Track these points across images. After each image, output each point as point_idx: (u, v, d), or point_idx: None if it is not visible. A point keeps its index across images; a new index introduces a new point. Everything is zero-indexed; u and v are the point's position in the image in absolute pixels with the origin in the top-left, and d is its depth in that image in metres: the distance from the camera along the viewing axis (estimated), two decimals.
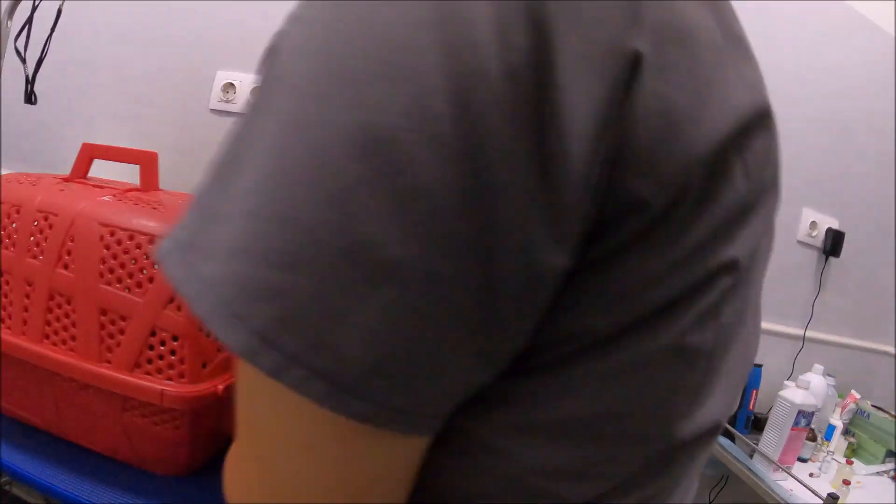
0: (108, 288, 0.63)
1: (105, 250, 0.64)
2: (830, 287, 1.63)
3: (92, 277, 0.64)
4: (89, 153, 0.80)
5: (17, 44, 0.94)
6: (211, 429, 0.72)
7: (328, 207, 0.19)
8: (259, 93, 0.22)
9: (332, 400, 0.19)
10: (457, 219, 0.19)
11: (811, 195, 1.53)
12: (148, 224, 0.67)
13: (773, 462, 1.18)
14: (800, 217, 1.56)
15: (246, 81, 1.21)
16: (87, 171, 0.81)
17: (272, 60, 0.23)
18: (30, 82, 0.96)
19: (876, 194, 1.59)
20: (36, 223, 0.67)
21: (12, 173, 0.81)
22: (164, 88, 1.22)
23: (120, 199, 0.71)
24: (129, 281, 0.64)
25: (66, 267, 0.64)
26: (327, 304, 0.19)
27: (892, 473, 1.34)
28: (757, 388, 1.42)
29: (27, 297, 0.65)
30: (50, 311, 0.65)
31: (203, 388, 0.66)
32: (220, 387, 0.68)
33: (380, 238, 0.18)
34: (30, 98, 0.96)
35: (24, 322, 0.65)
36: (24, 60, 0.95)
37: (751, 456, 1.29)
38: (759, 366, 1.37)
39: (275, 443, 0.23)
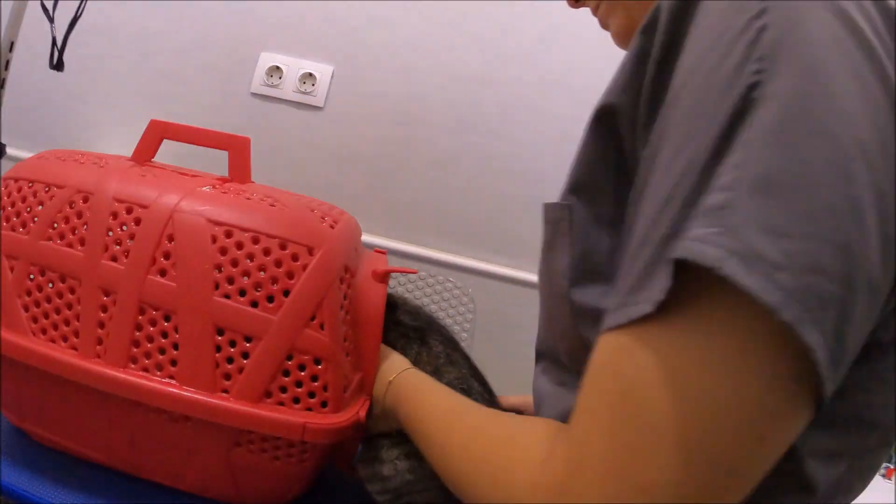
0: (227, 302, 0.45)
1: (221, 255, 0.46)
2: None
3: (203, 288, 0.45)
4: (161, 132, 0.63)
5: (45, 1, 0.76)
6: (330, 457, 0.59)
7: (863, 246, 0.22)
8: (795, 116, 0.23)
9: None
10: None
11: None
12: (273, 225, 0.53)
13: None
14: None
15: (293, 67, 1.05)
16: (153, 154, 0.65)
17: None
18: (58, 47, 0.78)
19: None
20: (115, 216, 0.51)
21: (55, 150, 0.63)
22: (200, 66, 1.04)
23: (225, 192, 0.56)
24: (255, 294, 0.47)
25: (162, 274, 0.46)
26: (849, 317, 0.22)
27: (882, 471, 1.37)
28: None
29: (104, 310, 0.46)
30: (140, 328, 0.46)
31: (347, 416, 0.52)
32: (362, 412, 0.55)
33: (871, 261, 0.23)
34: (58, 64, 0.78)
35: (99, 342, 0.46)
36: (51, 20, 0.77)
37: None
38: None
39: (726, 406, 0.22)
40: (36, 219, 0.49)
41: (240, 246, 0.47)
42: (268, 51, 1.02)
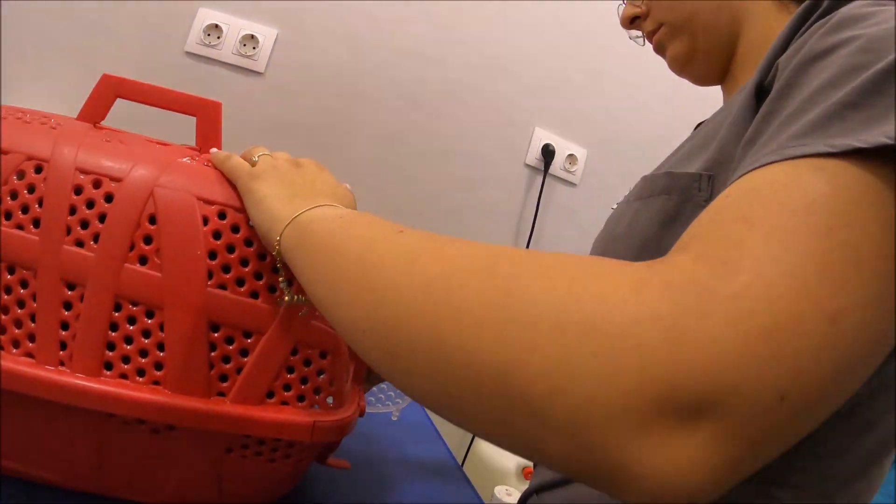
0: (223, 293, 0.39)
1: (214, 239, 0.39)
2: None
3: (195, 278, 0.38)
4: (114, 89, 0.52)
5: None
6: None
7: None
8: None
9: None
10: None
11: None
12: None
13: None
14: None
15: (234, 27, 0.92)
16: (104, 115, 0.53)
17: None
18: None
19: None
20: (78, 191, 0.39)
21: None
22: (129, 17, 0.86)
23: (209, 165, 0.47)
24: (255, 283, 0.40)
25: (143, 262, 0.38)
26: None
27: None
28: None
29: (67, 306, 0.37)
30: (115, 327, 0.38)
31: (353, 409, 0.47)
32: (363, 402, 0.50)
33: None
34: None
35: (62, 346, 0.37)
36: None
37: None
38: None
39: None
40: None
41: (236, 228, 0.41)
42: (207, 6, 0.89)
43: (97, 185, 0.39)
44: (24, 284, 0.38)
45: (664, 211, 0.38)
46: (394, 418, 0.53)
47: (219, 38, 0.88)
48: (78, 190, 0.38)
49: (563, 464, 0.20)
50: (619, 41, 1.25)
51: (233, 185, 0.43)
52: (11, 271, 0.38)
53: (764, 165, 0.24)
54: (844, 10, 0.30)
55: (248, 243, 0.41)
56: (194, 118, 0.51)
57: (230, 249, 0.41)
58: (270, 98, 0.97)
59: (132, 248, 0.39)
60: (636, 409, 0.17)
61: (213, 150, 0.47)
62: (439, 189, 1.16)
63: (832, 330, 0.18)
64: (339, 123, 1.04)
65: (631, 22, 0.57)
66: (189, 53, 0.89)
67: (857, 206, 0.21)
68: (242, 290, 0.41)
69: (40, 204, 0.38)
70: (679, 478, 0.17)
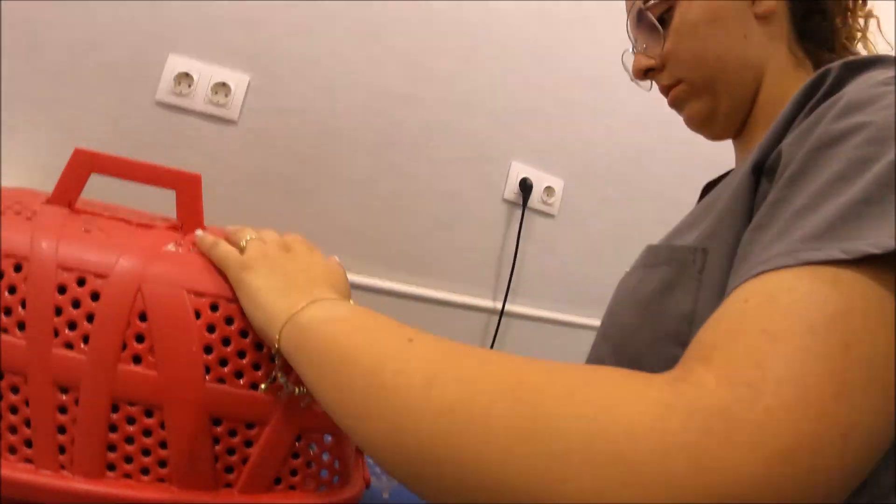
0: (222, 387, 0.38)
1: (208, 333, 0.38)
2: None
3: (192, 374, 0.37)
4: (88, 164, 0.49)
5: None
6: None
7: None
8: None
9: None
10: None
11: None
12: None
13: None
14: None
15: (205, 74, 0.89)
16: (79, 193, 0.50)
17: None
18: None
19: None
20: (62, 290, 0.36)
21: None
22: (96, 66, 0.82)
23: (191, 250, 0.45)
24: (253, 374, 0.39)
25: (137, 361, 0.36)
26: None
27: None
28: None
29: (62, 410, 0.35)
30: (115, 428, 0.36)
31: (358, 484, 0.45)
32: (367, 473, 0.48)
33: None
34: None
35: (61, 450, 0.35)
36: None
37: None
38: None
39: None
40: None
41: (230, 320, 0.40)
42: (177, 53, 0.86)
43: (81, 282, 0.37)
44: (15, 390, 0.36)
45: (664, 280, 0.39)
46: (385, 496, 0.52)
47: (190, 86, 0.86)
48: (62, 289, 0.36)
49: None
50: (587, 68, 1.28)
51: (222, 273, 0.41)
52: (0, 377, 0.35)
53: (780, 269, 0.24)
54: (852, 92, 0.31)
55: (244, 334, 0.40)
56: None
57: (226, 342, 0.39)
58: (244, 146, 0.95)
59: (124, 347, 0.37)
60: None
61: (199, 233, 0.45)
62: (419, 231, 1.16)
63: (843, 445, 0.20)
64: (316, 169, 1.03)
65: (645, 73, 0.54)
66: (160, 103, 0.86)
67: (872, 318, 0.22)
68: (241, 382, 0.40)
69: (23, 305, 0.35)
70: None
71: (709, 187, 0.59)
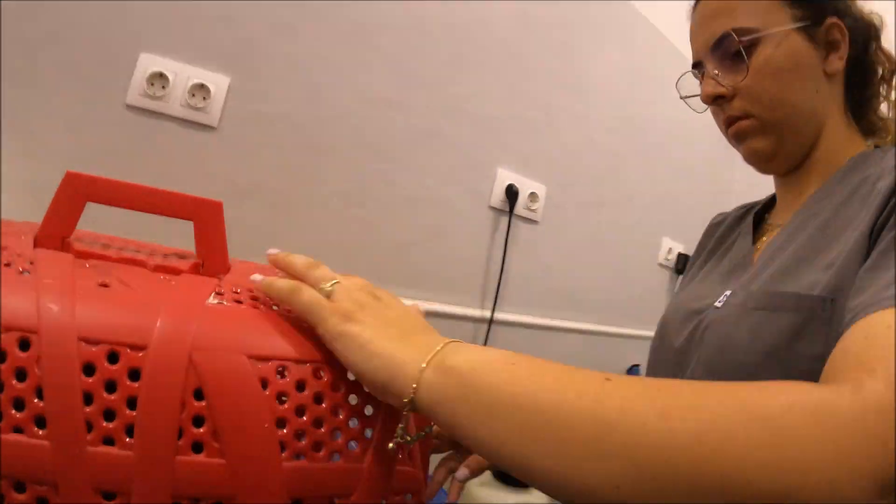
0: (300, 465, 0.31)
1: (279, 405, 0.31)
2: None
3: (266, 456, 0.30)
4: (84, 192, 0.39)
5: None
6: None
7: None
8: None
9: None
10: None
11: (668, 226, 1.64)
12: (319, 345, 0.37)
13: None
14: (660, 245, 1.65)
15: (182, 75, 0.78)
16: (74, 225, 0.41)
17: None
18: None
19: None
20: (91, 370, 0.27)
21: None
22: (60, 65, 0.69)
23: (239, 300, 0.37)
24: (333, 444, 0.32)
25: (198, 449, 0.29)
26: None
27: None
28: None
29: None
30: None
31: None
32: None
33: None
34: None
35: None
36: None
37: None
38: (637, 365, 1.57)
39: None
40: None
41: (301, 386, 0.33)
42: (149, 51, 0.75)
43: (113, 357, 0.29)
44: (43, 503, 0.27)
45: (793, 325, 0.43)
46: None
47: (164, 87, 0.75)
48: (89, 369, 0.28)
49: None
50: (566, 74, 1.26)
51: (281, 329, 0.34)
52: (20, 489, 0.27)
53: (888, 308, 0.32)
54: None
55: (318, 400, 0.33)
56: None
57: (299, 412, 0.32)
58: (225, 155, 0.85)
59: (181, 434, 0.29)
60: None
61: (265, 280, 0.38)
62: (407, 241, 1.10)
63: None
64: (302, 180, 0.94)
65: (713, 100, 0.55)
66: (131, 107, 0.74)
67: None
68: (321, 454, 0.33)
69: (39, 395, 0.27)
70: None
71: (715, 225, 0.67)
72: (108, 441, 0.28)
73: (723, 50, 0.52)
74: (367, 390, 0.34)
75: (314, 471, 0.32)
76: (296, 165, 0.92)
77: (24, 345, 0.28)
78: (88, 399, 0.28)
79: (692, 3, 0.57)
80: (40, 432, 0.27)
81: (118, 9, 0.71)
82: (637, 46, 1.45)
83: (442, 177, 1.12)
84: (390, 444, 0.33)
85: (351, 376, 0.35)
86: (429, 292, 1.14)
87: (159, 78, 0.75)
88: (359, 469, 0.34)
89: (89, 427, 0.28)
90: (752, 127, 0.53)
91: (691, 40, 0.57)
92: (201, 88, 0.79)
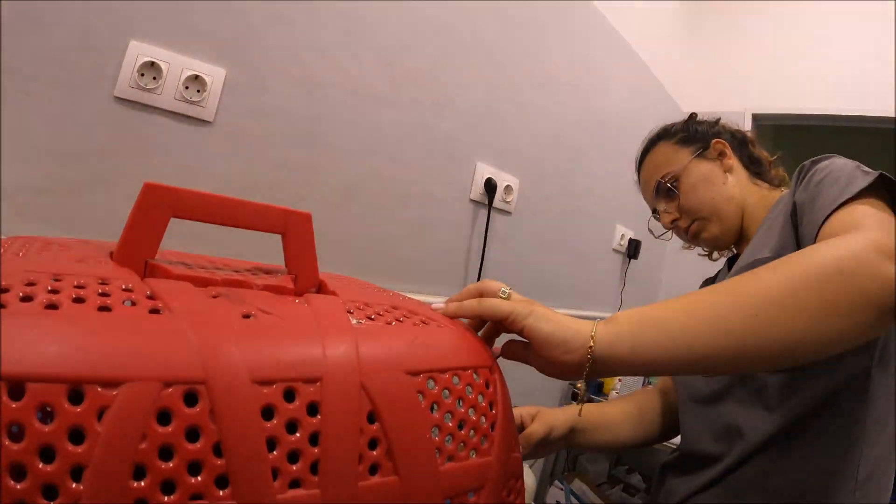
0: (451, 467, 0.31)
1: (432, 414, 0.30)
2: (629, 280, 1.84)
3: (429, 465, 0.29)
4: (168, 206, 0.33)
5: None
6: None
7: None
8: None
9: None
10: None
11: (621, 214, 1.72)
12: (458, 352, 0.35)
13: None
14: (614, 231, 1.73)
15: (175, 65, 0.68)
16: (157, 247, 0.34)
17: None
18: None
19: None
20: (270, 413, 0.24)
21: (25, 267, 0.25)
22: (41, 54, 0.57)
23: (372, 319, 0.33)
24: (472, 442, 0.32)
25: (373, 471, 0.27)
26: None
27: None
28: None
29: None
30: None
31: None
32: None
33: None
34: None
35: None
36: None
37: None
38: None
39: None
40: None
41: (446, 393, 0.32)
42: (140, 39, 0.65)
43: (290, 395, 0.26)
44: None
45: None
46: None
47: (155, 78, 0.66)
48: (267, 412, 0.25)
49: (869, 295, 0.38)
50: (536, 70, 1.28)
51: (418, 342, 0.33)
52: None
53: (833, 211, 0.49)
54: (816, 167, 0.57)
55: (460, 404, 0.32)
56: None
57: (448, 418, 0.31)
58: (221, 151, 0.76)
59: (361, 460, 0.27)
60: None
61: (453, 306, 0.43)
62: (395, 234, 1.07)
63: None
64: (298, 176, 0.88)
65: (672, 223, 0.75)
66: (119, 99, 0.64)
67: (875, 209, 0.47)
68: (463, 454, 0.32)
69: (217, 452, 0.23)
70: None
71: (732, 259, 0.81)
72: (295, 484, 0.25)
73: (661, 193, 0.75)
74: (544, 354, 0.41)
75: (461, 470, 0.32)
76: (293, 162, 0.86)
77: (192, 399, 0.24)
78: (272, 445, 0.25)
79: (636, 175, 0.82)
80: (222, 493, 0.23)
81: None
82: (597, 45, 1.50)
83: (428, 171, 1.10)
84: (579, 386, 0.43)
85: (475, 373, 0.34)
86: (415, 284, 1.12)
87: (151, 68, 0.66)
88: (489, 462, 0.34)
89: (275, 474, 0.25)
90: (699, 227, 0.73)
91: (644, 196, 0.81)
92: (196, 80, 0.70)
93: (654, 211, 0.79)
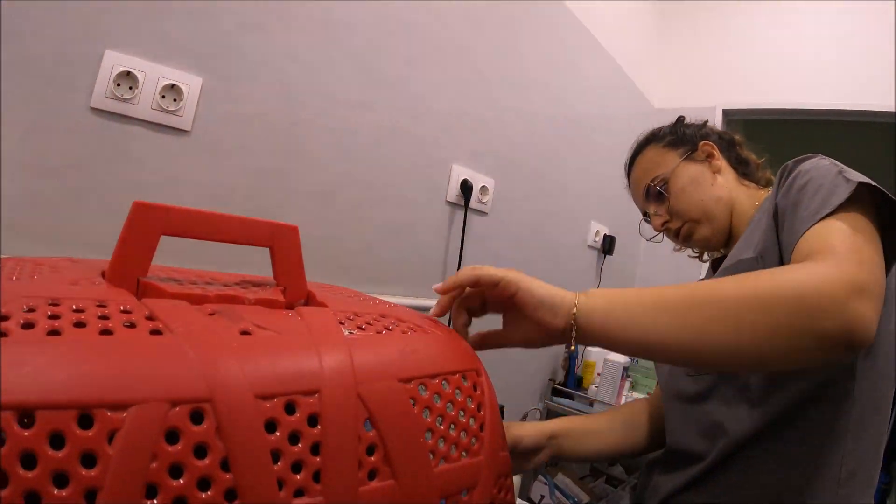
0: (444, 468, 0.32)
1: (425, 419, 0.32)
2: (605, 276, 1.87)
3: (423, 467, 0.30)
4: (159, 224, 0.34)
5: None
6: None
7: None
8: None
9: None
10: None
11: (596, 211, 1.74)
12: (447, 358, 0.36)
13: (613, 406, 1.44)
14: (589, 228, 1.75)
15: (152, 74, 0.67)
16: (148, 265, 0.34)
17: None
18: None
19: (631, 207, 2.04)
20: (273, 427, 0.25)
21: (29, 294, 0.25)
22: (14, 63, 0.55)
23: (363, 328, 0.34)
24: (463, 443, 0.34)
25: (372, 476, 0.28)
26: None
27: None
28: (576, 356, 1.68)
29: None
30: None
31: None
32: None
33: None
34: None
35: None
36: None
37: (591, 405, 1.58)
38: None
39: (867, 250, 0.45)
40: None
41: (438, 395, 0.34)
42: (116, 49, 0.64)
43: (290, 409, 0.27)
44: None
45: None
46: None
47: (132, 88, 0.65)
48: (271, 427, 0.26)
49: (825, 332, 0.39)
50: (511, 71, 1.29)
51: (408, 350, 0.34)
52: None
53: (812, 225, 0.49)
54: (799, 168, 0.57)
55: (450, 407, 0.34)
56: None
57: (439, 422, 0.33)
58: (199, 160, 0.75)
59: (360, 466, 0.28)
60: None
61: (450, 279, 0.47)
62: (374, 239, 1.07)
63: (869, 267, 0.43)
64: (276, 183, 0.87)
65: (662, 225, 0.75)
66: (96, 110, 0.63)
67: (864, 227, 0.47)
68: (455, 455, 0.34)
69: (225, 466, 0.24)
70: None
71: (717, 261, 0.81)
72: (299, 493, 0.26)
73: (652, 196, 0.75)
74: (536, 317, 0.44)
75: (454, 471, 0.33)
76: (268, 168, 0.86)
77: (198, 417, 0.24)
78: (276, 457, 0.26)
79: (626, 179, 0.82)
80: None
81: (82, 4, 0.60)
82: (569, 44, 1.52)
83: (404, 174, 1.10)
84: (571, 348, 0.45)
85: (463, 377, 0.36)
86: (394, 287, 1.13)
87: (127, 78, 0.64)
88: (480, 462, 0.35)
89: (280, 484, 0.25)
90: (689, 229, 0.73)
91: (634, 200, 0.81)
92: (172, 89, 0.70)
93: (645, 214, 0.80)
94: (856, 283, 0.39)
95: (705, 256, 0.80)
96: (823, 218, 0.48)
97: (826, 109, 1.85)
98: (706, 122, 0.80)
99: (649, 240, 0.84)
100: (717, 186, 0.72)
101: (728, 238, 0.73)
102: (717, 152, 0.74)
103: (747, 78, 2.03)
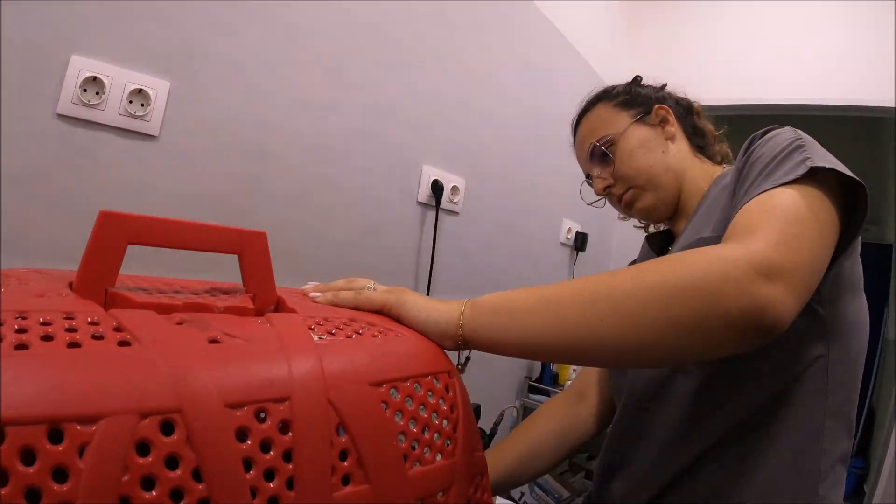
0: (418, 470, 0.33)
1: (398, 422, 0.33)
2: (578, 272, 1.87)
3: (398, 471, 0.31)
4: (127, 233, 0.33)
5: None
6: None
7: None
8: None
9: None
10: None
11: (567, 208, 1.76)
12: (419, 360, 0.37)
13: None
14: (561, 225, 1.77)
15: (119, 79, 0.65)
16: (116, 274, 0.34)
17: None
18: None
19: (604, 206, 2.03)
20: (244, 436, 0.25)
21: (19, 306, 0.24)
22: None
23: (332, 333, 0.35)
24: (436, 443, 0.35)
25: (346, 481, 0.28)
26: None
27: None
28: None
29: None
30: None
31: None
32: None
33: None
34: None
35: None
36: None
37: None
38: None
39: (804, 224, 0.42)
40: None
41: (410, 398, 0.34)
42: (81, 53, 0.62)
43: (261, 416, 0.27)
44: None
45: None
46: None
47: (98, 94, 0.64)
48: (241, 435, 0.26)
49: (732, 315, 0.36)
50: (480, 71, 1.30)
51: (376, 353, 0.35)
52: None
53: (759, 193, 0.46)
54: (764, 140, 0.53)
55: (423, 409, 0.35)
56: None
57: (412, 424, 0.34)
58: (167, 165, 0.74)
59: (334, 472, 0.29)
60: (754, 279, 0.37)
61: (328, 295, 0.44)
62: (346, 241, 1.07)
63: (788, 246, 0.40)
64: (246, 187, 0.86)
65: (605, 189, 0.70)
66: (62, 116, 0.61)
67: (804, 205, 0.43)
68: (429, 457, 0.35)
69: (197, 476, 0.24)
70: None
71: (651, 237, 0.76)
72: (272, 501, 0.26)
73: (596, 157, 0.69)
74: (429, 338, 0.42)
75: (428, 473, 0.34)
76: (238, 172, 0.84)
77: (168, 428, 0.24)
78: (248, 465, 0.26)
79: (572, 138, 0.75)
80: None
81: (45, 6, 0.58)
82: (539, 44, 1.54)
83: (375, 176, 1.11)
84: (461, 370, 0.44)
85: (435, 379, 0.36)
86: None
87: (93, 83, 0.63)
88: (454, 463, 0.36)
89: (253, 493, 0.26)
90: (633, 195, 0.68)
91: (578, 160, 0.75)
92: (140, 94, 0.68)
93: (588, 176, 0.73)
94: (763, 263, 0.37)
95: (651, 228, 0.75)
96: (764, 192, 0.45)
97: (800, 104, 1.85)
98: (664, 85, 0.74)
99: (590, 204, 0.78)
100: (668, 154, 0.66)
101: (674, 211, 0.68)
102: (672, 118, 0.68)
103: (719, 75, 2.03)
